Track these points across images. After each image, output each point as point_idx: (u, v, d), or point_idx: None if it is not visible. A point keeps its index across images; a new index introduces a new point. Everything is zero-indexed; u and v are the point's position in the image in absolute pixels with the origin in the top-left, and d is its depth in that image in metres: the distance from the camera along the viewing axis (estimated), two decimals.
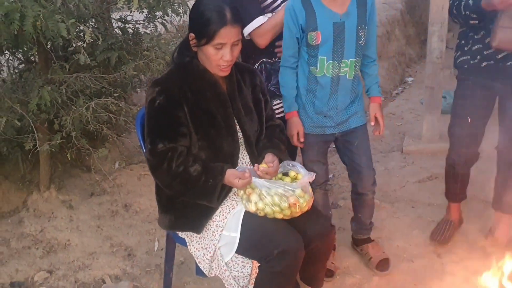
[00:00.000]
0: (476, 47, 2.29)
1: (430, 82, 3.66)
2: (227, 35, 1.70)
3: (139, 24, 2.79)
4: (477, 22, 2.20)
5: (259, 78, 2.02)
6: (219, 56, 1.72)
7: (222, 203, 1.81)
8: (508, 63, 2.22)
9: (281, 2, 2.22)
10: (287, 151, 2.03)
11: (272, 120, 2.07)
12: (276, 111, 2.30)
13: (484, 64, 2.27)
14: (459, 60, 2.39)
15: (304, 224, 1.79)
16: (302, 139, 2.20)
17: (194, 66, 1.81)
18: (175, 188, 1.77)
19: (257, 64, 2.29)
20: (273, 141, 1.97)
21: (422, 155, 3.69)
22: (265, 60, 2.28)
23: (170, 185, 1.76)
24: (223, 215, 1.79)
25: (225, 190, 1.79)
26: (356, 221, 2.51)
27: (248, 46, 2.18)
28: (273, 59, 2.30)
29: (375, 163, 3.62)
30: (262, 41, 2.20)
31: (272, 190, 1.74)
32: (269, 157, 1.87)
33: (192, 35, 1.76)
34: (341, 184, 3.30)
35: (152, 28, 2.81)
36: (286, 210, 1.73)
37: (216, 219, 1.79)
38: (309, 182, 1.82)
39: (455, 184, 2.64)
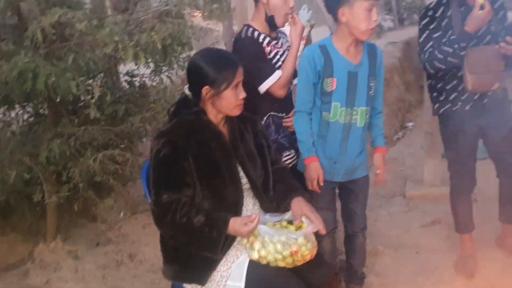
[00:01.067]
0: (453, 95, 2.54)
1: (430, 128, 3.74)
2: (240, 73, 1.85)
3: (146, 77, 2.91)
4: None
5: (260, 125, 2.11)
6: (236, 96, 1.85)
7: (226, 253, 1.84)
8: (484, 101, 2.53)
9: (278, 60, 2.37)
10: None
11: (278, 163, 2.13)
12: (286, 162, 2.39)
13: (467, 107, 2.53)
14: (441, 110, 2.62)
15: (307, 272, 1.80)
16: (322, 183, 2.24)
17: (198, 118, 1.89)
18: (179, 239, 1.81)
19: (265, 118, 2.39)
20: (289, 183, 2.03)
21: (424, 200, 3.71)
22: (272, 113, 2.39)
23: (174, 236, 1.80)
24: (227, 265, 1.81)
25: (228, 241, 1.81)
26: (348, 269, 2.53)
27: (255, 100, 2.29)
28: (281, 113, 2.42)
29: (378, 208, 3.68)
30: (283, 92, 2.34)
31: (275, 238, 1.77)
32: (297, 207, 1.91)
33: (207, 88, 1.82)
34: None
35: (158, 81, 2.92)
36: (288, 258, 1.75)
37: (220, 269, 1.81)
38: (313, 232, 1.84)
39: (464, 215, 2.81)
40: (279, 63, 2.38)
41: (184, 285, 1.91)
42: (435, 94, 2.65)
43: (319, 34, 4.05)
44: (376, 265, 2.86)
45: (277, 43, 2.42)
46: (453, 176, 2.76)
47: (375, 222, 3.42)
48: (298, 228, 1.88)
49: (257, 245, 1.78)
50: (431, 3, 2.62)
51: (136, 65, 2.43)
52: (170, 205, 1.76)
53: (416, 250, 3.04)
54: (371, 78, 2.19)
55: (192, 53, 2.47)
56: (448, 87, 2.55)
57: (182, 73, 3.12)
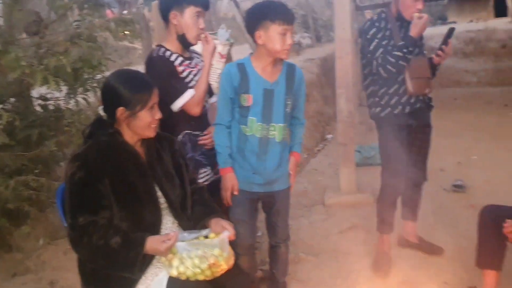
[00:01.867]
0: (395, 99, 2.86)
1: (343, 139, 3.98)
2: (156, 94, 1.89)
3: (60, 100, 2.86)
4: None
5: (177, 144, 2.15)
6: (152, 117, 1.88)
7: (146, 271, 1.86)
8: (418, 105, 2.90)
9: (192, 79, 2.43)
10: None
11: (195, 183, 2.19)
12: (202, 179, 2.43)
13: (407, 109, 2.87)
14: (382, 114, 2.90)
15: (224, 282, 1.86)
16: (236, 193, 2.33)
17: (113, 139, 1.91)
18: (97, 262, 1.80)
19: (180, 136, 2.42)
20: (209, 206, 2.10)
21: (342, 207, 3.93)
22: (188, 132, 2.43)
23: (91, 259, 1.80)
24: (146, 282, 1.83)
25: (147, 259, 1.83)
26: (270, 278, 2.63)
27: (170, 119, 2.33)
28: (196, 131, 2.46)
29: (300, 217, 3.84)
30: (197, 110, 2.39)
31: (192, 253, 1.81)
32: (217, 225, 1.96)
33: (121, 109, 1.85)
34: None
35: (73, 104, 2.88)
36: (207, 270, 1.81)
37: (139, 287, 1.83)
38: (229, 240, 1.91)
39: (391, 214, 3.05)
40: (193, 82, 2.43)
41: None
42: (376, 99, 2.92)
43: (241, 52, 4.21)
44: (298, 272, 2.99)
45: (190, 63, 2.47)
46: (386, 178, 2.98)
47: (297, 231, 3.57)
48: (213, 237, 1.93)
49: (175, 262, 1.82)
50: (372, 17, 2.98)
51: (48, 88, 2.39)
52: (86, 228, 1.76)
53: (335, 254, 3.21)
54: (287, 96, 2.32)
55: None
56: (390, 92, 2.86)
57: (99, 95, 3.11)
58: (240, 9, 8.81)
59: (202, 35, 2.42)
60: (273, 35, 2.16)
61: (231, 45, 5.28)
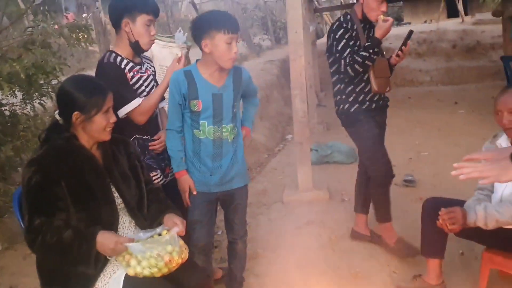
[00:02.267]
0: (361, 96, 3.09)
1: (299, 138, 4.13)
2: (110, 98, 1.96)
3: (16, 106, 2.87)
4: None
5: (132, 147, 2.22)
6: (107, 121, 1.95)
7: (104, 270, 1.92)
8: (380, 102, 3.18)
9: (145, 88, 2.48)
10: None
11: (151, 183, 2.27)
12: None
13: (373, 105, 3.12)
14: (351, 109, 3.11)
15: (181, 278, 1.96)
16: (194, 192, 2.42)
17: (69, 143, 1.96)
18: (53, 259, 1.86)
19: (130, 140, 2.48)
20: (163, 203, 2.19)
21: (300, 204, 4.08)
22: (137, 136, 2.48)
23: (47, 256, 1.86)
24: (104, 280, 1.90)
25: (102, 256, 1.89)
26: (228, 274, 2.73)
27: (120, 123, 2.36)
28: (145, 136, 2.51)
29: (259, 215, 3.96)
30: (142, 119, 2.43)
31: (147, 254, 1.88)
32: (168, 220, 2.05)
33: (76, 113, 1.91)
34: None
35: (29, 109, 2.89)
36: (164, 268, 1.89)
37: (98, 285, 1.90)
38: (179, 235, 1.98)
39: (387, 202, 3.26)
40: (143, 87, 2.48)
41: None
42: (343, 96, 3.12)
43: (199, 54, 4.28)
44: (256, 267, 3.10)
45: (140, 68, 2.50)
46: (376, 163, 3.15)
47: (256, 228, 3.69)
48: (165, 233, 2.01)
49: (132, 262, 1.89)
50: (339, 18, 3.16)
51: (2, 94, 2.41)
52: (41, 228, 1.81)
53: (291, 250, 3.34)
54: (235, 98, 2.43)
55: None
56: (357, 89, 3.08)
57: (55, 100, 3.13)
58: (198, 12, 8.89)
59: (179, 54, 2.49)
60: (219, 44, 2.25)
61: (188, 48, 5.38)
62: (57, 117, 2.00)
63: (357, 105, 3.10)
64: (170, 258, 1.89)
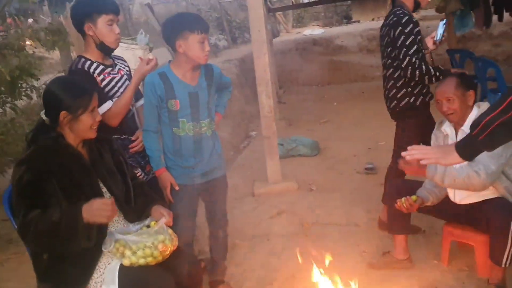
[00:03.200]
0: (425, 88, 3.13)
1: (267, 133, 4.29)
2: (95, 98, 2.05)
3: None
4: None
5: (116, 144, 2.31)
6: (93, 120, 2.03)
7: (99, 261, 2.01)
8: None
9: (119, 89, 2.53)
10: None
11: (136, 179, 2.37)
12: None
13: (431, 99, 3.15)
14: (418, 102, 3.13)
15: (172, 264, 2.06)
16: (176, 187, 2.52)
17: (56, 142, 2.03)
18: (47, 244, 1.91)
19: None
20: (149, 196, 2.30)
21: (270, 195, 4.25)
22: (115, 136, 2.51)
23: (41, 244, 1.91)
24: (100, 271, 1.99)
25: (94, 229, 1.95)
26: (211, 263, 2.86)
27: (98, 126, 2.43)
28: (124, 135, 2.58)
29: (233, 209, 4.08)
30: (115, 122, 2.48)
31: (141, 244, 1.99)
32: (156, 212, 2.16)
33: (64, 113, 1.97)
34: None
35: (1, 112, 2.88)
36: (159, 257, 2.00)
37: (94, 276, 1.98)
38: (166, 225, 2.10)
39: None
40: (115, 88, 2.52)
41: None
42: (409, 89, 3.12)
43: (158, 55, 4.35)
44: (235, 256, 3.24)
45: (112, 69, 2.54)
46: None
47: (231, 221, 3.73)
48: (154, 224, 2.11)
49: (127, 253, 1.99)
50: (397, 10, 3.10)
51: None
52: (33, 219, 1.86)
53: (267, 238, 3.50)
54: (210, 95, 2.56)
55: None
56: (411, 85, 3.10)
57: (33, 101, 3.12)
58: (154, 13, 8.88)
59: (150, 57, 2.55)
60: (193, 44, 2.38)
61: (150, 49, 5.43)
62: (43, 117, 2.06)
63: (422, 97, 3.13)
64: (164, 247, 2.00)
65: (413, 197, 2.67)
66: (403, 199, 2.66)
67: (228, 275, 2.97)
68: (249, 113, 7.60)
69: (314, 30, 12.39)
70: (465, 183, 2.42)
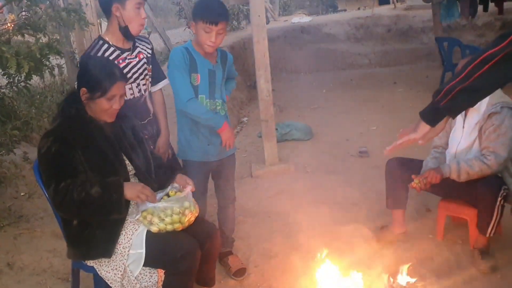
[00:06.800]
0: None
1: (264, 116, 4.43)
2: (118, 88, 2.11)
3: (3, 89, 2.91)
4: None
5: (136, 121, 2.43)
6: (110, 105, 2.11)
7: (126, 227, 2.14)
8: None
9: (133, 75, 2.60)
10: None
11: (155, 153, 2.51)
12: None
13: None
14: None
15: (195, 230, 2.21)
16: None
17: (81, 116, 2.13)
18: (83, 214, 2.03)
19: None
20: (170, 167, 2.46)
21: (268, 177, 4.41)
22: None
23: (77, 213, 2.03)
24: (128, 237, 2.12)
25: (129, 204, 2.12)
26: (220, 236, 3.00)
27: None
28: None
29: None
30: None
31: (168, 211, 2.12)
32: (181, 179, 2.34)
33: (84, 89, 2.08)
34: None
35: (16, 91, 2.94)
36: (186, 223, 2.15)
37: (122, 241, 2.11)
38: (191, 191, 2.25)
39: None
40: (130, 74, 2.56)
41: (88, 263, 2.14)
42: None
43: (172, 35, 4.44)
44: (240, 231, 3.40)
45: (130, 54, 2.58)
46: None
47: None
48: (178, 192, 2.26)
49: (155, 220, 2.12)
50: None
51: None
52: (67, 188, 1.98)
53: (268, 215, 3.67)
54: (223, 77, 2.72)
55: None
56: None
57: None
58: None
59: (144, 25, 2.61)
60: (199, 30, 2.52)
61: (149, 33, 5.50)
62: (76, 87, 2.16)
63: None
64: (190, 213, 2.14)
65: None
66: (416, 180, 2.84)
67: (235, 247, 3.13)
68: (240, 99, 7.73)
69: (302, 18, 12.51)
70: (479, 175, 2.72)
